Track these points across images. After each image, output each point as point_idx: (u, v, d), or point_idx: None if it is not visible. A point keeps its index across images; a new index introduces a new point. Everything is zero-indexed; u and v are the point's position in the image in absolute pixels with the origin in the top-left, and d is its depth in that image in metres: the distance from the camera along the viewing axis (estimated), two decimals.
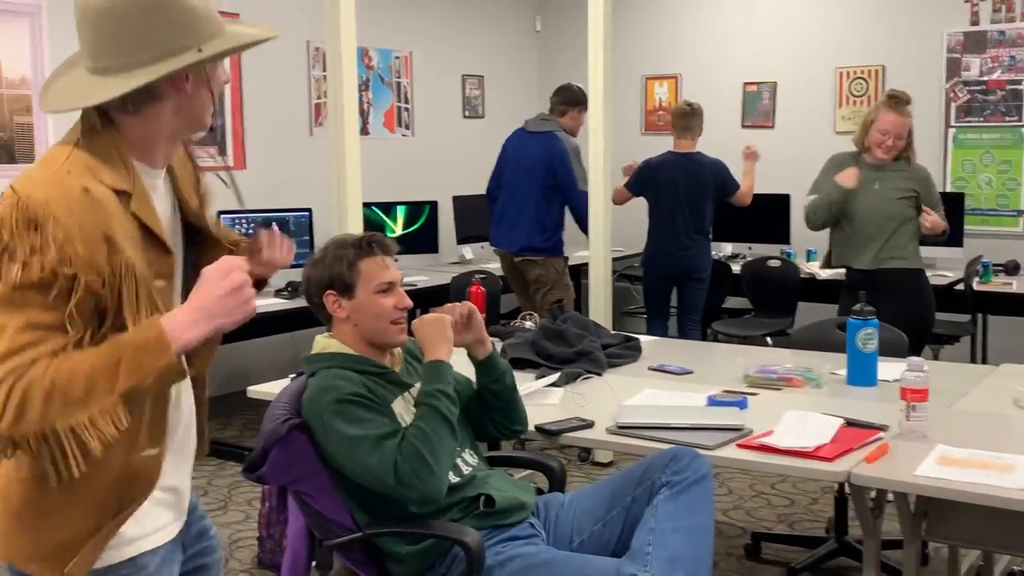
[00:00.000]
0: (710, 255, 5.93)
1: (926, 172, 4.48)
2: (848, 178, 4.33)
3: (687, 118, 5.75)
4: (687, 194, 5.67)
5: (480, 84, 7.78)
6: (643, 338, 3.99)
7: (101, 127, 1.57)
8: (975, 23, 6.57)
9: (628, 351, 3.74)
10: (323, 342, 2.54)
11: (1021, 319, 5.93)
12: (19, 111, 4.99)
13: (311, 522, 2.45)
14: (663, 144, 6.12)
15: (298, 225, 5.77)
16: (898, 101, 4.38)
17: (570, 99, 5.64)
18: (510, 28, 8.07)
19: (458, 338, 2.58)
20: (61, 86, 1.61)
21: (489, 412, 2.70)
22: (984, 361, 5.88)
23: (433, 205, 6.68)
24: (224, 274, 1.53)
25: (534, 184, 5.51)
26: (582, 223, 5.31)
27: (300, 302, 3.62)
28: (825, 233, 4.64)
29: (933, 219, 4.33)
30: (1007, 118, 6.49)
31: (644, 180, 5.78)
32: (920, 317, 4.33)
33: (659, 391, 3.19)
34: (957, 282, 5.72)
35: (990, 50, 6.52)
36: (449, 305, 2.62)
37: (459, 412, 2.48)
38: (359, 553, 2.44)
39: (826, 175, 4.52)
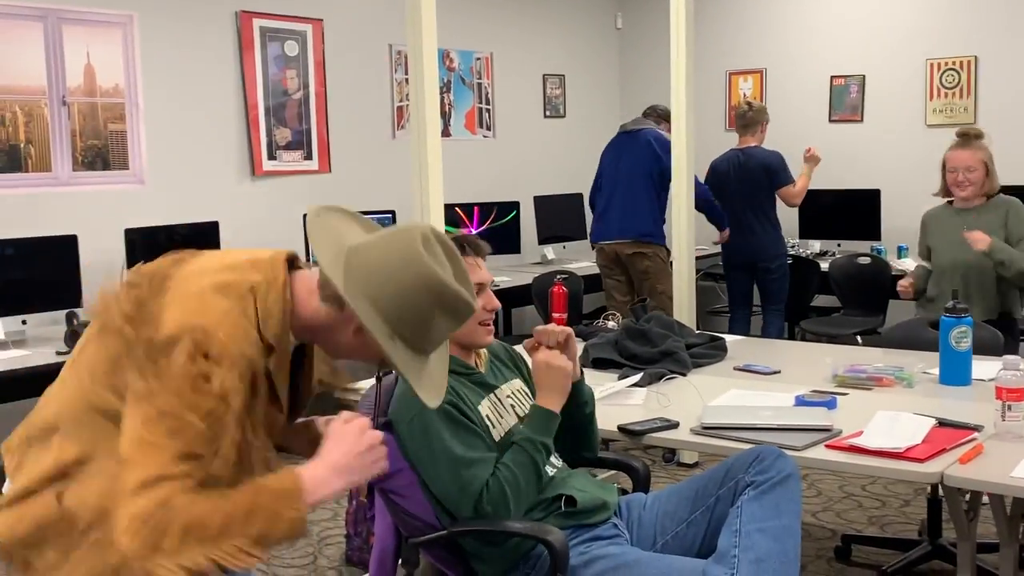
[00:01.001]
0: (778, 244, 6.00)
1: (1010, 200, 4.29)
2: (978, 241, 4.14)
3: (744, 117, 6.06)
4: (741, 187, 5.90)
5: (561, 83, 7.77)
6: (729, 338, 3.94)
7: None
8: None
9: (713, 351, 3.69)
10: None
11: None
12: (113, 119, 5.14)
13: (397, 520, 2.48)
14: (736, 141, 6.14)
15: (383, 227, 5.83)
16: (965, 137, 4.28)
17: (662, 114, 5.93)
18: (590, 26, 8.04)
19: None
20: (337, 230, 1.74)
21: (562, 434, 2.57)
22: None
23: (515, 205, 6.70)
24: (360, 431, 1.65)
25: (640, 174, 5.71)
26: (709, 211, 5.81)
27: None
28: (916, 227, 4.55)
29: (975, 235, 4.14)
30: None
31: (711, 180, 6.00)
32: (1008, 317, 4.21)
33: (745, 391, 3.15)
34: None
35: None
36: (549, 328, 2.58)
37: None
38: (444, 551, 2.46)
39: (922, 237, 4.50)
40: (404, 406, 2.40)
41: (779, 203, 6.00)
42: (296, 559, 3.92)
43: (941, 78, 6.80)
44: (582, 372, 2.69)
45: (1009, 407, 2.55)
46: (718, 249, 6.32)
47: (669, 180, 5.29)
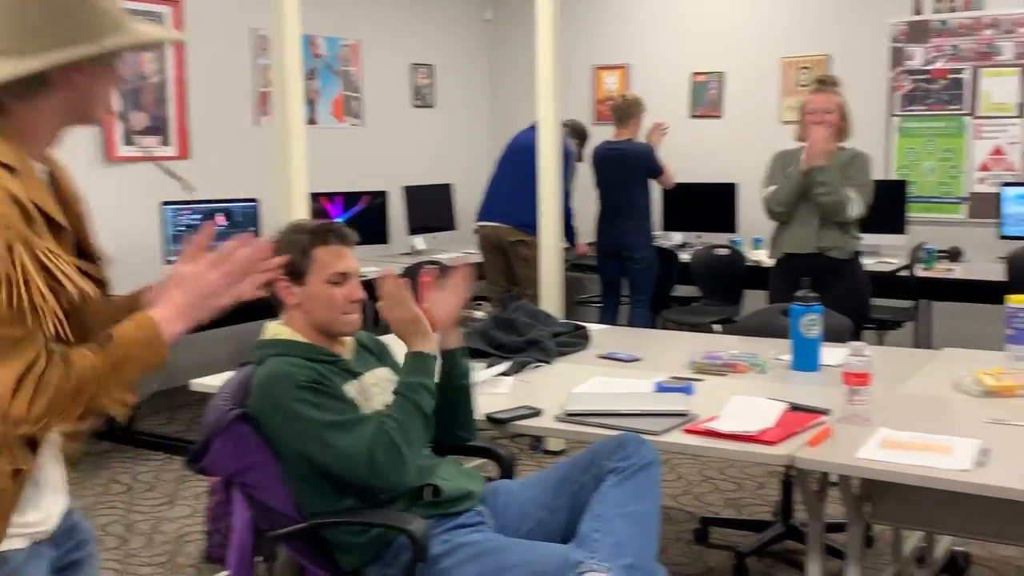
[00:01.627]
0: (645, 236, 6.17)
1: (856, 152, 4.47)
2: (816, 156, 4.29)
3: (618, 110, 6.23)
4: (615, 178, 6.11)
5: (430, 73, 7.74)
6: (592, 327, 4.00)
7: None
8: (918, 13, 6.65)
9: (577, 339, 3.74)
10: (274, 329, 2.51)
11: (963, 304, 6.03)
12: None
13: (256, 513, 2.43)
14: (603, 132, 6.29)
15: (245, 215, 5.71)
16: (822, 83, 4.49)
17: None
18: (460, 17, 8.03)
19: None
20: None
21: (438, 412, 2.56)
22: (928, 346, 5.97)
23: (383, 195, 6.64)
24: (204, 272, 1.66)
25: (532, 165, 5.55)
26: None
27: None
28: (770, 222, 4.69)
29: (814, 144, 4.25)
30: (949, 107, 6.59)
31: (593, 171, 6.22)
32: (856, 304, 4.38)
33: (608, 378, 3.20)
34: (901, 268, 5.81)
35: (933, 39, 6.62)
36: (384, 281, 2.52)
37: None
38: (304, 543, 2.42)
39: (774, 170, 4.55)
40: (267, 392, 2.35)
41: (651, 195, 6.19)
42: (154, 557, 3.80)
43: (796, 76, 7.06)
44: (463, 348, 2.69)
45: (855, 391, 2.66)
46: (590, 240, 6.45)
47: (563, 175, 5.42)
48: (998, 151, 6.46)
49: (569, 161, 5.85)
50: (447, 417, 2.66)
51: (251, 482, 2.38)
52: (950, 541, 3.53)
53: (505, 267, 6.03)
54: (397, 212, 6.78)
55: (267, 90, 6.30)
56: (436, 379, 2.53)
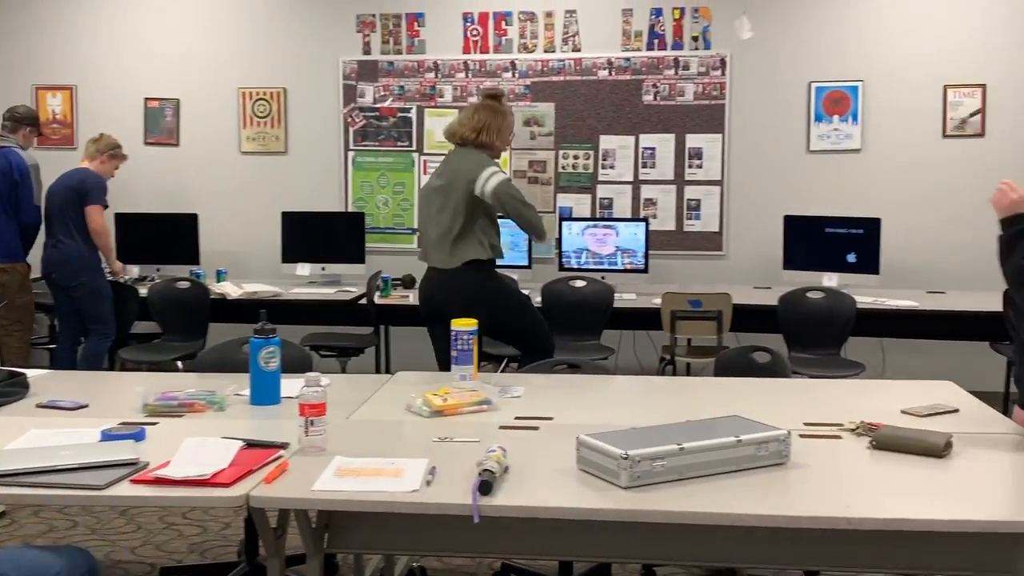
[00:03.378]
0: (80, 260, 5.88)
1: None
2: None
3: (87, 142, 6.13)
4: (60, 203, 5.91)
5: None
6: (33, 372, 3.60)
7: None
8: (367, 53, 6.99)
9: (12, 388, 3.33)
10: None
11: (418, 328, 6.38)
12: None
13: None
14: (54, 157, 5.84)
15: None
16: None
17: (23, 117, 6.01)
18: None
19: None
20: None
21: None
22: (388, 371, 6.25)
23: None
24: None
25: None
26: (29, 235, 5.88)
27: None
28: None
29: None
30: (399, 143, 7.00)
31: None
32: None
33: (47, 430, 2.87)
34: (361, 296, 6.02)
35: (382, 79, 6.98)
36: None
37: None
38: None
39: None
40: None
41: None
42: None
43: (254, 107, 7.05)
44: None
45: (312, 422, 2.65)
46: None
47: (25, 200, 5.68)
48: None
49: (27, 177, 5.79)
50: None
51: None
52: (408, 559, 3.67)
53: None
54: None
55: None
56: None
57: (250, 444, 2.65)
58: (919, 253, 6.54)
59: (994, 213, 2.83)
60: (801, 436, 2.77)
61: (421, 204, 4.60)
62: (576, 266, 6.44)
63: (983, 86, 6.47)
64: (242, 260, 6.94)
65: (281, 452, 2.62)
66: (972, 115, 6.51)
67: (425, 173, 6.96)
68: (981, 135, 6.50)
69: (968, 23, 6.48)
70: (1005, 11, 6.44)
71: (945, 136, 6.55)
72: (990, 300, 5.41)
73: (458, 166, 4.39)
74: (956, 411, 3.08)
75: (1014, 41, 6.45)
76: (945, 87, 6.52)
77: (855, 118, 6.61)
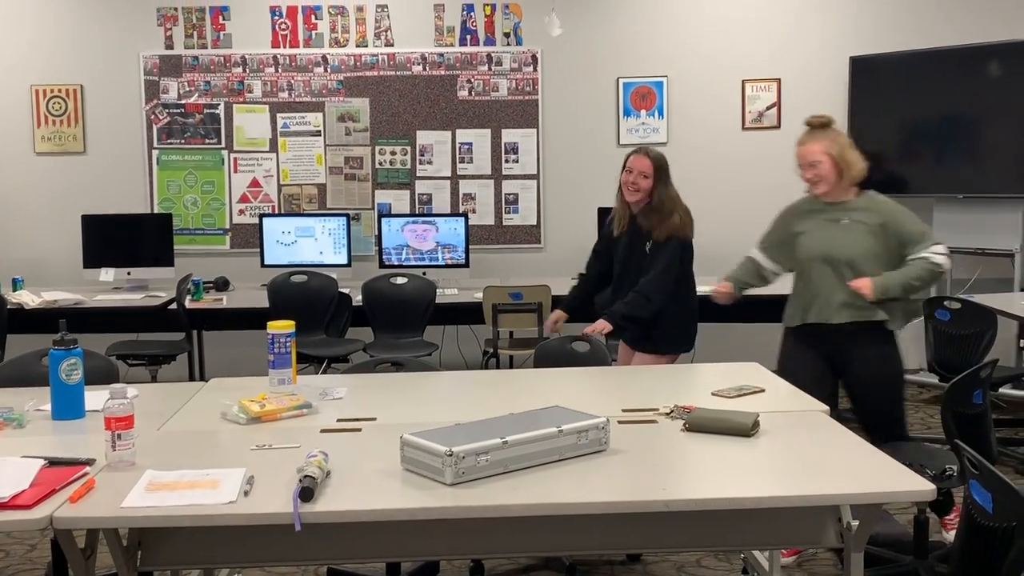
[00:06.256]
0: None
1: (881, 202, 3.84)
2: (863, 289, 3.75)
3: None
4: None
5: None
6: None
7: None
8: (170, 47, 6.72)
9: None
10: None
11: (234, 332, 6.22)
12: None
13: None
14: None
15: None
16: (809, 128, 3.90)
17: None
18: None
19: None
20: None
21: None
22: (202, 378, 6.04)
23: None
24: None
25: None
26: None
27: None
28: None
29: (859, 285, 3.76)
30: (207, 140, 6.76)
31: None
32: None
33: None
34: (170, 301, 5.78)
35: (187, 74, 6.73)
36: None
37: None
38: None
39: (780, 227, 4.11)
40: None
41: None
42: None
43: (48, 105, 6.67)
44: None
45: (119, 436, 2.52)
46: None
47: None
48: (255, 183, 6.79)
49: None
50: None
51: None
52: (229, 571, 3.55)
53: None
54: None
55: None
56: None
57: (52, 462, 2.50)
58: (720, 243, 6.82)
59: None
60: (620, 423, 2.84)
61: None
62: (397, 262, 6.40)
63: (778, 80, 6.82)
64: (40, 267, 6.56)
65: (87, 469, 2.49)
66: (768, 108, 6.86)
67: (236, 171, 6.76)
68: (777, 127, 6.85)
69: (764, 21, 6.81)
70: (797, 10, 6.81)
71: (744, 128, 6.87)
72: (784, 285, 5.69)
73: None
74: (762, 391, 3.23)
75: (805, 37, 6.82)
76: (743, 81, 6.83)
77: (661, 113, 6.83)
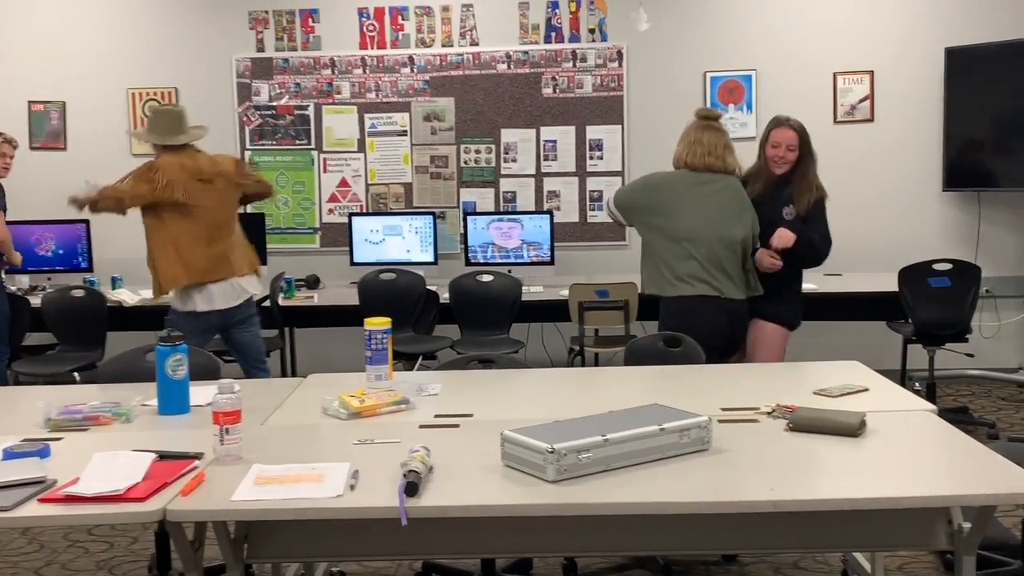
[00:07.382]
0: None
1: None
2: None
3: None
4: None
5: None
6: None
7: None
8: (261, 50, 6.84)
9: None
10: None
11: (324, 329, 6.31)
12: None
13: None
14: None
15: None
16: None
17: None
18: None
19: None
20: None
21: None
22: (295, 374, 6.14)
23: None
24: None
25: None
26: None
27: None
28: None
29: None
30: (297, 141, 6.87)
31: None
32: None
33: None
34: (264, 299, 5.87)
35: (277, 76, 6.84)
36: None
37: None
38: None
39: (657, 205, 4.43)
40: None
41: None
42: None
43: (144, 108, 6.84)
44: None
45: (227, 430, 2.57)
46: None
47: None
48: (344, 183, 6.88)
49: None
50: None
51: None
52: (327, 564, 3.60)
53: None
54: None
55: None
56: None
57: (163, 456, 2.56)
58: None
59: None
60: (720, 421, 2.80)
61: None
62: (483, 260, 6.42)
63: (871, 72, 6.67)
64: (137, 267, 6.71)
65: (196, 463, 2.54)
66: (861, 101, 6.71)
67: (325, 171, 6.86)
68: (871, 120, 6.70)
69: (855, 11, 6.67)
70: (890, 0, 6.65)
71: (836, 122, 6.73)
72: (885, 281, 5.58)
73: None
74: (867, 390, 3.16)
75: (899, 28, 6.66)
76: (835, 74, 6.70)
77: (749, 107, 6.74)
